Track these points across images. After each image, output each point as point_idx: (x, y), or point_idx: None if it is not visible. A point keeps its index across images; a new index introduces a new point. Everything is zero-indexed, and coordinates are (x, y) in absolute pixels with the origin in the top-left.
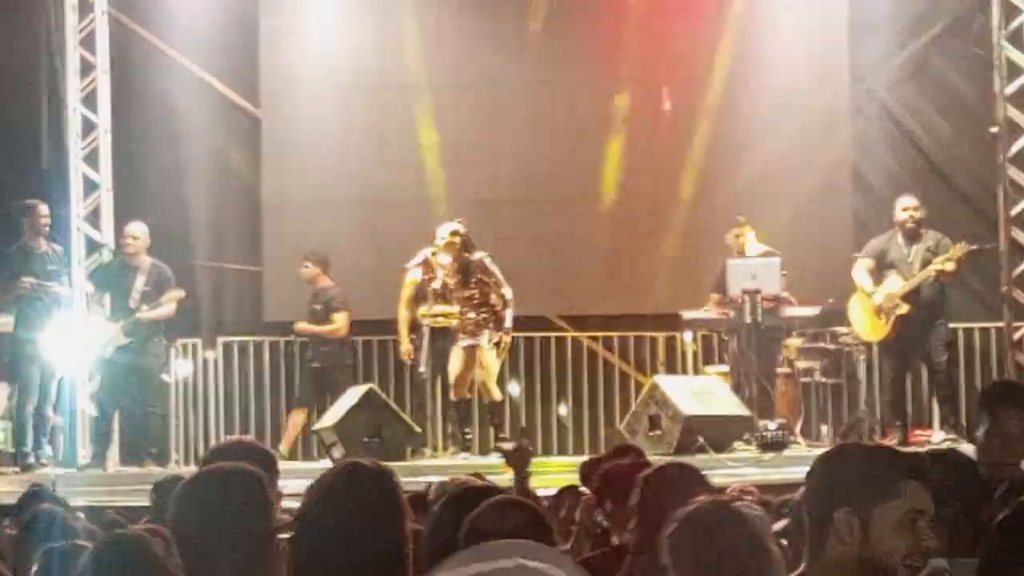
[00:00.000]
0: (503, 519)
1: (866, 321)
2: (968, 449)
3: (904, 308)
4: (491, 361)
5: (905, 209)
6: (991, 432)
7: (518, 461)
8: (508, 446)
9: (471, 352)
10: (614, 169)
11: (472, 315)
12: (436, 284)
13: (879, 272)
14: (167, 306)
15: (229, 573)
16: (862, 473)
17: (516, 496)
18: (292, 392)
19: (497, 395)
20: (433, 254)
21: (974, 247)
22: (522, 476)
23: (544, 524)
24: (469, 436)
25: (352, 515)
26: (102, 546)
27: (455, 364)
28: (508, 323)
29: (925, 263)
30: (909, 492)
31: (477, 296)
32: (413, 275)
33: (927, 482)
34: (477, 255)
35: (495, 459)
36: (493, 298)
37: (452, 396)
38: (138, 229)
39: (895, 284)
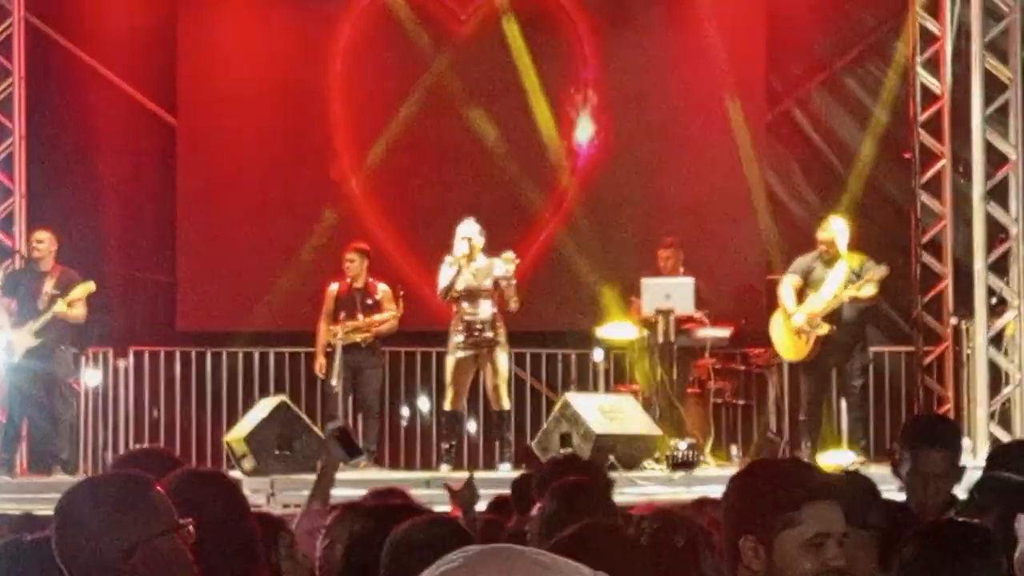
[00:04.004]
0: (428, 534)
1: (787, 340)
2: (875, 472)
3: (824, 329)
4: (503, 365)
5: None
6: (913, 472)
7: (467, 500)
8: (456, 486)
9: (473, 360)
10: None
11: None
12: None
13: (805, 290)
14: (79, 309)
15: None
16: (766, 499)
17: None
18: (203, 402)
19: (506, 404)
20: (467, 258)
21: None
22: (470, 517)
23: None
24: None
25: (197, 517)
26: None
27: (467, 374)
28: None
29: (848, 284)
30: (813, 516)
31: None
32: (332, 289)
33: (837, 501)
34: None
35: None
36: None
37: (448, 407)
38: (45, 234)
39: (816, 304)
